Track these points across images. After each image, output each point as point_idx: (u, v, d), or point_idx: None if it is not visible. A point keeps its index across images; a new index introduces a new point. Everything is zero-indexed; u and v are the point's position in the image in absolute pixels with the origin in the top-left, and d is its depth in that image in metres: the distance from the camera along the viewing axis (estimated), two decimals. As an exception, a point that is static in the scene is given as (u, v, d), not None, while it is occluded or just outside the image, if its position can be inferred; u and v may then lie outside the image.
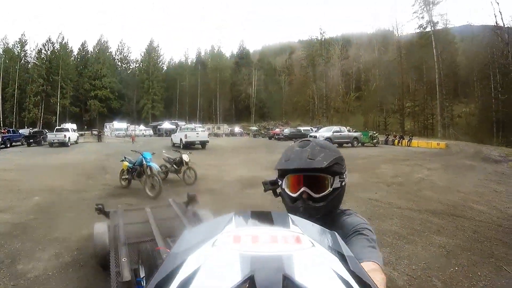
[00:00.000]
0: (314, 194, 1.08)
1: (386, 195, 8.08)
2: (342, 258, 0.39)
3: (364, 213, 6.13)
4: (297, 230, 0.43)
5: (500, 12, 44.18)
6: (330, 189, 1.09)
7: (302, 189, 1.08)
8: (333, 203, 1.11)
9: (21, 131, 32.53)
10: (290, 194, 1.11)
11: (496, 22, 42.90)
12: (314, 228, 0.48)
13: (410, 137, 31.42)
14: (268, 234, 0.40)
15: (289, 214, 0.49)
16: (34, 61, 58.38)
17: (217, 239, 0.39)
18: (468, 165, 14.45)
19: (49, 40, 60.34)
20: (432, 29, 50.50)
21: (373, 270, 0.88)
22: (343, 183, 1.13)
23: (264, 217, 0.47)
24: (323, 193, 1.08)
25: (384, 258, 3.78)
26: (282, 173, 1.14)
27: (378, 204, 7.12)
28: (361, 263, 0.91)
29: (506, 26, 42.10)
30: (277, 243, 0.38)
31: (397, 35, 59.12)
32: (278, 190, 1.23)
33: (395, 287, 3.58)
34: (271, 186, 1.36)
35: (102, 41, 68.04)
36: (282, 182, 1.15)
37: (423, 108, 51.05)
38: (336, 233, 0.47)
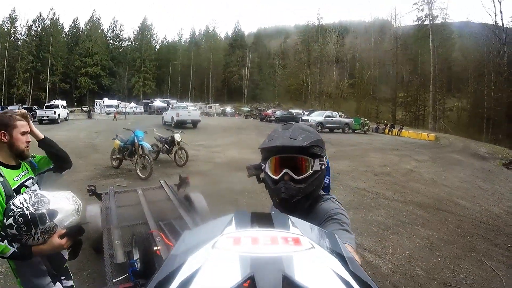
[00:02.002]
0: (295, 176, 1.11)
1: (374, 184, 8.19)
2: (342, 259, 0.39)
3: (351, 202, 6.30)
4: (296, 231, 0.43)
5: (501, 12, 43.15)
6: (310, 171, 1.12)
7: (284, 171, 1.11)
8: (314, 185, 1.14)
9: (10, 107, 31.87)
10: (273, 176, 1.14)
11: (496, 22, 42.90)
12: (313, 230, 0.48)
13: (401, 126, 31.52)
14: (268, 236, 0.41)
15: (289, 216, 0.49)
16: (24, 38, 56.67)
17: (217, 241, 0.40)
18: (456, 159, 14.49)
19: (40, 16, 58.62)
20: (431, 22, 50.18)
21: None
22: (323, 167, 1.15)
23: (264, 218, 0.47)
24: (304, 175, 1.11)
25: (369, 246, 3.85)
26: (266, 156, 1.18)
27: (366, 194, 7.22)
28: None
29: (505, 26, 42.18)
30: (277, 244, 0.39)
31: (395, 25, 58.79)
32: (262, 176, 1.26)
33: (380, 273, 3.70)
34: (255, 171, 1.39)
35: (94, 18, 66.19)
36: (265, 165, 1.18)
37: (416, 99, 51.39)
38: (335, 235, 0.47)
